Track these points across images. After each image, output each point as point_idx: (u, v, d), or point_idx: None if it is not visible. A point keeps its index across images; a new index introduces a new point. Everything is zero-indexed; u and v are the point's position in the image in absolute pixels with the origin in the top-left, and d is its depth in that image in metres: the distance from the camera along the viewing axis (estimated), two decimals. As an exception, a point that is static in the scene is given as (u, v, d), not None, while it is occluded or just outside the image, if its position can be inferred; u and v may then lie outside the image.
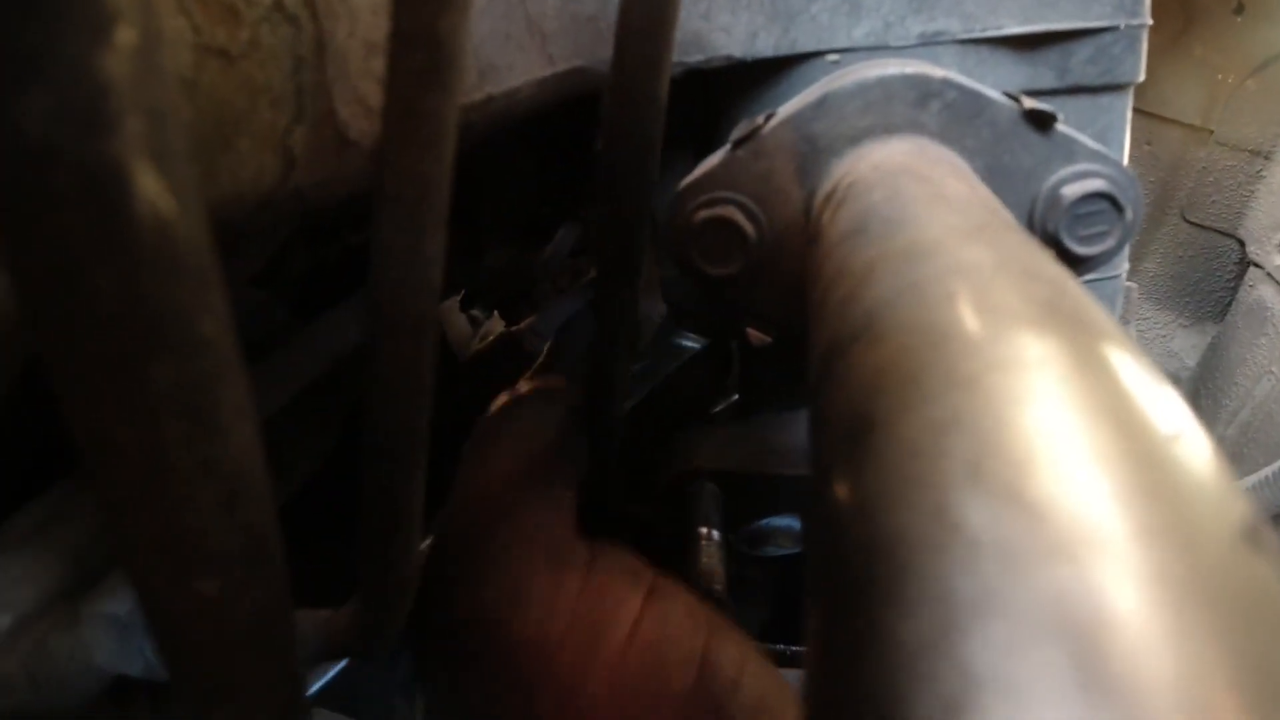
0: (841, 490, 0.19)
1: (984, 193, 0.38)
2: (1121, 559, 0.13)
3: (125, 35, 0.15)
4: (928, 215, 0.31)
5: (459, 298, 1.10)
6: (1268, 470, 1.17)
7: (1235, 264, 1.45)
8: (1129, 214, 0.46)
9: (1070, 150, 0.46)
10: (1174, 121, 1.40)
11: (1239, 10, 1.35)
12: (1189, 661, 0.12)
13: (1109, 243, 0.47)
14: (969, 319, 0.21)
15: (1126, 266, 0.63)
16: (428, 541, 0.47)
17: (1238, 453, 1.33)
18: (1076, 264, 0.48)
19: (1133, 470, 0.15)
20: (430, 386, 0.30)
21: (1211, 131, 1.39)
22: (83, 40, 0.14)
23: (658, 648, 0.43)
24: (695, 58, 0.52)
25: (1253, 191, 1.39)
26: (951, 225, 0.29)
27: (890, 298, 0.25)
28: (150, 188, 0.15)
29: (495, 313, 1.22)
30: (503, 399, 0.54)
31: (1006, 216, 0.33)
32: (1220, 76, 1.37)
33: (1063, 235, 0.47)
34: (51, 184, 0.14)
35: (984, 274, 0.24)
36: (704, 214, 0.49)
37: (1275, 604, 0.14)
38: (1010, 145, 0.46)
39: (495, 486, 0.47)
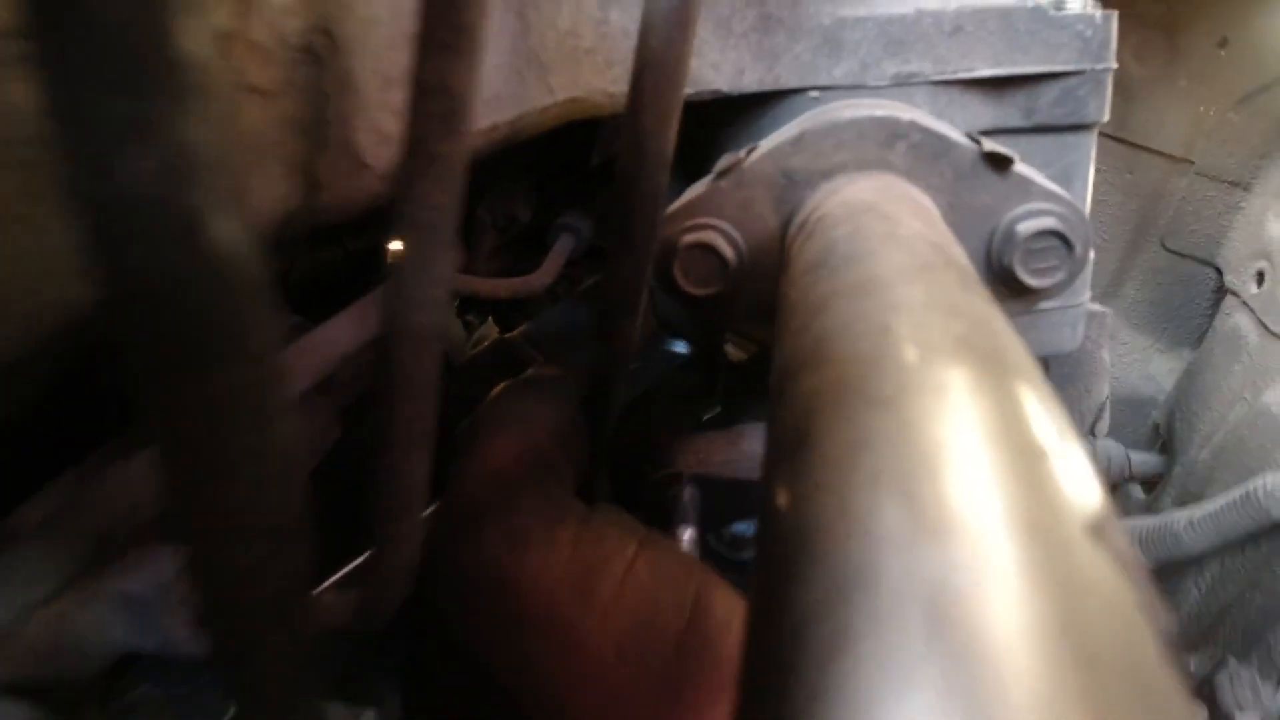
0: (778, 496, 0.22)
1: (939, 230, 0.42)
2: (979, 544, 0.17)
3: (208, 108, 0.18)
4: (880, 253, 0.35)
5: (455, 303, 1.13)
6: (1236, 493, 1.21)
7: (1212, 292, 1.49)
8: (1078, 250, 0.50)
9: (1026, 189, 0.50)
10: (1156, 152, 1.44)
11: (1222, 44, 1.39)
12: (1025, 629, 0.16)
13: (1059, 276, 0.51)
14: (894, 349, 0.25)
15: (1088, 295, 0.66)
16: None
17: (1210, 476, 1.37)
18: (1030, 294, 0.52)
19: (1005, 478, 0.19)
20: (436, 385, 0.34)
21: (1192, 162, 1.42)
22: (177, 113, 0.18)
23: (651, 589, 0.45)
24: (686, 91, 0.56)
25: (1231, 222, 1.43)
26: (898, 264, 0.33)
27: (836, 328, 0.29)
28: (223, 230, 0.19)
29: (490, 319, 1.25)
30: (505, 385, 0.56)
31: (953, 254, 0.37)
32: (1202, 109, 1.41)
33: (1017, 268, 0.51)
34: (149, 227, 0.18)
35: (915, 310, 0.28)
36: (688, 238, 0.53)
37: (1107, 585, 0.17)
38: (970, 184, 0.50)
39: (498, 465, 0.49)
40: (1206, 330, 1.47)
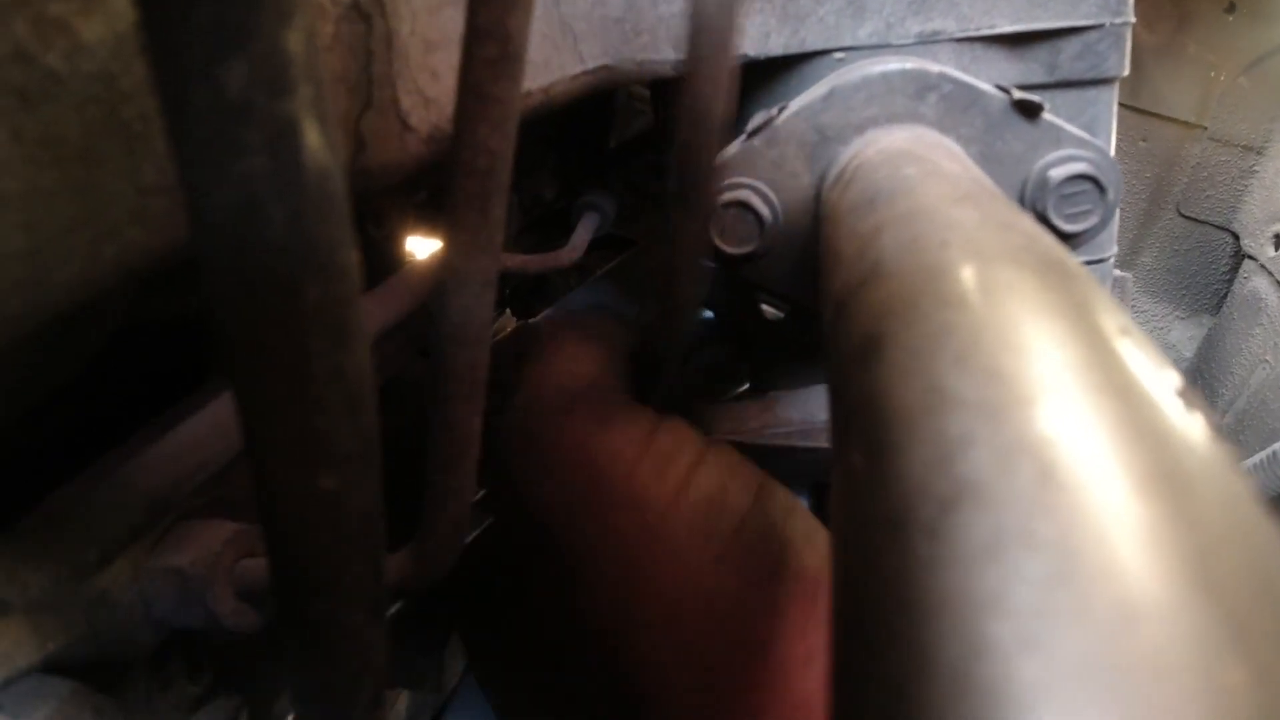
0: (856, 391, 0.23)
1: (975, 170, 0.42)
2: (1070, 404, 0.17)
3: (302, 19, 0.19)
4: (924, 187, 0.35)
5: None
6: (1262, 454, 1.21)
7: (1230, 257, 1.49)
8: (1110, 194, 0.51)
9: (1056, 137, 0.51)
10: (1169, 119, 1.44)
11: (1230, 9, 1.39)
12: (1132, 476, 0.16)
13: (1093, 220, 0.51)
14: (958, 258, 0.25)
15: (1115, 250, 0.67)
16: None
17: (1234, 440, 1.37)
18: (1063, 240, 0.52)
19: (1088, 353, 0.20)
20: (490, 334, 0.35)
21: (1205, 128, 1.42)
22: (274, 21, 0.18)
23: (719, 475, 0.49)
24: (714, 56, 0.56)
25: (1246, 186, 1.43)
26: (944, 193, 0.33)
27: (893, 249, 0.29)
28: (315, 141, 0.20)
29: (508, 310, 1.25)
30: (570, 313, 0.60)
31: (992, 188, 0.37)
32: (1213, 74, 1.41)
33: (1050, 214, 0.51)
34: (245, 134, 0.19)
35: (971, 227, 0.28)
36: (724, 197, 0.53)
37: (1200, 440, 0.18)
38: (1001, 132, 0.51)
39: (581, 368, 0.54)
40: (1225, 295, 1.47)
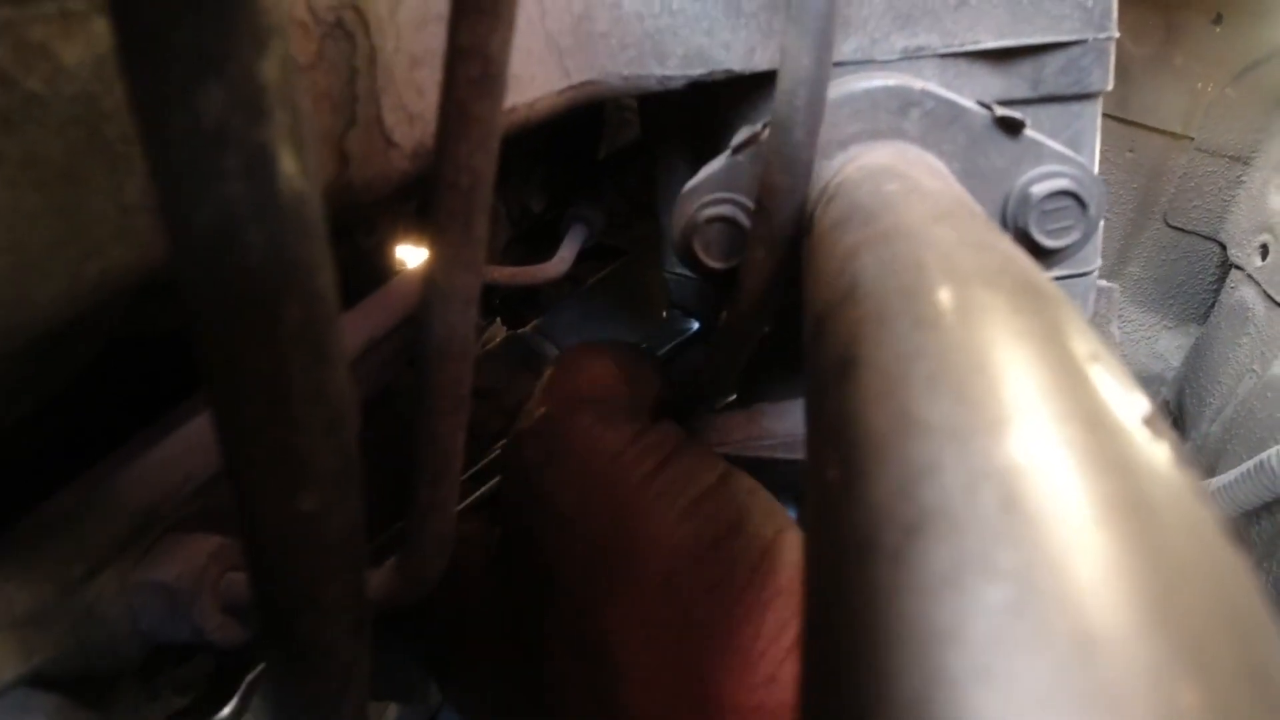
0: (831, 411, 0.23)
1: (955, 187, 0.43)
2: (1036, 431, 0.18)
3: (278, 46, 0.19)
4: (904, 205, 0.35)
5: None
6: (1249, 464, 1.21)
7: (1217, 266, 1.49)
8: (1092, 209, 0.51)
9: (1038, 153, 0.51)
10: (1156, 129, 1.44)
11: (1217, 21, 1.40)
12: (1094, 505, 0.17)
13: (1074, 236, 0.52)
14: (933, 280, 0.26)
15: (1099, 263, 0.67)
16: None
17: (1222, 449, 1.37)
18: (1046, 255, 0.52)
19: (1058, 379, 0.20)
20: (474, 348, 0.35)
21: (1192, 138, 1.43)
22: (249, 48, 0.19)
23: (693, 459, 0.56)
24: (698, 71, 0.57)
25: (1233, 196, 1.43)
26: (923, 212, 0.33)
27: (871, 268, 0.29)
28: (291, 167, 0.20)
29: (498, 319, 1.26)
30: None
31: (972, 206, 0.38)
32: (1200, 85, 1.42)
33: (1032, 229, 0.51)
34: (221, 160, 0.19)
35: (947, 248, 0.28)
36: (707, 213, 0.53)
37: (1166, 469, 0.18)
38: (984, 148, 0.51)
39: (592, 377, 0.60)
40: (1212, 305, 1.47)
